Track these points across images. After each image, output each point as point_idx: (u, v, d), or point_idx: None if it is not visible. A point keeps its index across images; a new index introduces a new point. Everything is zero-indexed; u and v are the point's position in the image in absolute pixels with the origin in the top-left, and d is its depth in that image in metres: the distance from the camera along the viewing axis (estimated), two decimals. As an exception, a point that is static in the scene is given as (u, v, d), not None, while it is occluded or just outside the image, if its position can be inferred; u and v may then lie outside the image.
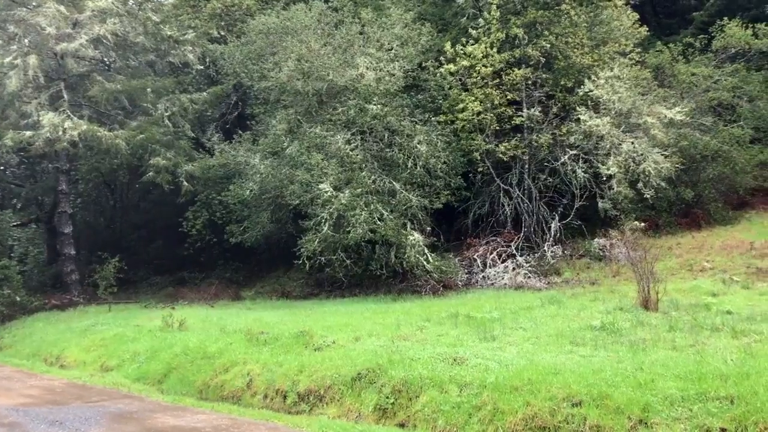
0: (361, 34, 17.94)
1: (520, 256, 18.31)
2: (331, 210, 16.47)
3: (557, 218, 18.95)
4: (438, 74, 18.16)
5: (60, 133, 18.10)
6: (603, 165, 17.52)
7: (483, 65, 17.90)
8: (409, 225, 17.25)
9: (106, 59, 20.92)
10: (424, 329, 11.41)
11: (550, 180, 19.23)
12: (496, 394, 7.16)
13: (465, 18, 19.58)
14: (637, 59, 19.23)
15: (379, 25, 18.04)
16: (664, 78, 19.75)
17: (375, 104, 16.89)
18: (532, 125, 18.92)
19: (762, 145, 19.58)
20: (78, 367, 12.99)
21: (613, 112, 17.75)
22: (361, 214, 16.35)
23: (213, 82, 24.82)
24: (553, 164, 18.92)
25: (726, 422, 5.84)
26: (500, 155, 18.43)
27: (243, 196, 18.46)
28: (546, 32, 18.23)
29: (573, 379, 7.03)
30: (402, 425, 7.62)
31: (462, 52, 17.95)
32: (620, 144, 17.58)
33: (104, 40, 19.02)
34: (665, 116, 17.73)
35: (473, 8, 19.61)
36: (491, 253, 18.68)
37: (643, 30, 19.40)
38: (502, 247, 18.80)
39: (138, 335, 13.48)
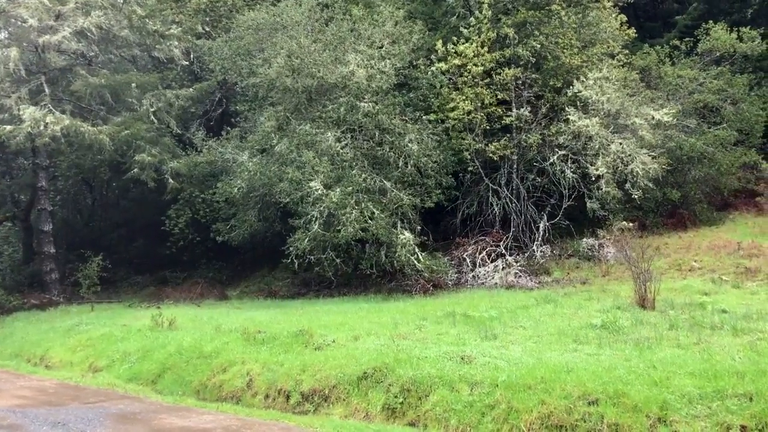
0: (352, 31, 17.79)
1: (510, 255, 18.35)
2: (321, 208, 16.29)
3: (545, 218, 19.03)
4: (430, 72, 18.09)
5: (42, 127, 17.62)
6: (592, 165, 17.59)
7: (474, 64, 17.89)
8: (399, 224, 17.15)
9: (88, 53, 20.41)
10: (423, 328, 11.33)
11: (539, 180, 19.30)
12: (510, 392, 7.09)
13: (455, 17, 19.57)
14: (624, 61, 19.41)
15: (370, 22, 17.92)
16: (650, 80, 19.95)
17: (367, 102, 16.77)
18: (521, 125, 18.96)
19: (745, 148, 19.89)
20: (65, 367, 12.63)
21: (601, 113, 17.85)
22: (352, 213, 16.20)
23: (196, 79, 24.45)
24: (541, 164, 18.98)
25: (746, 419, 5.85)
26: (490, 155, 18.44)
27: (231, 193, 18.17)
28: (536, 32, 18.28)
29: (587, 377, 6.99)
30: (412, 424, 7.52)
31: (453, 50, 17.91)
32: (609, 145, 17.67)
33: (88, 33, 18.56)
34: (653, 118, 17.90)
35: (463, 8, 19.60)
36: (480, 253, 18.67)
37: (631, 32, 19.57)
38: (491, 246, 18.80)
39: (127, 335, 13.17)
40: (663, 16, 26.51)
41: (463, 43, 17.95)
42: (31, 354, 14.10)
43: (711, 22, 21.06)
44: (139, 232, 27.34)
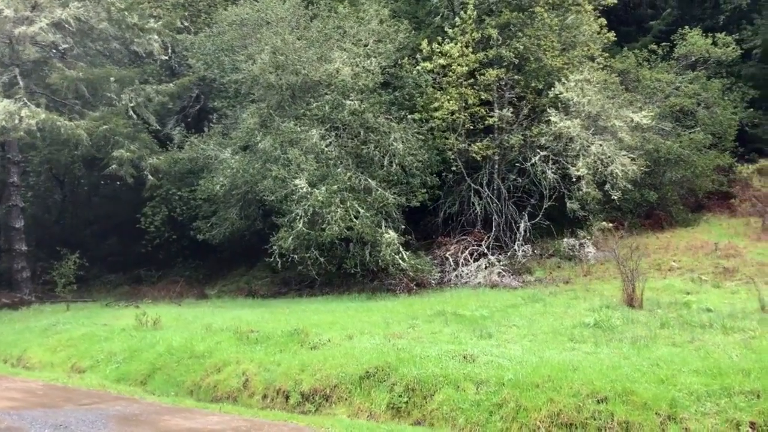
0: (338, 28, 17.70)
1: (492, 255, 18.49)
2: (306, 206, 16.16)
3: (526, 218, 19.22)
4: (415, 72, 18.10)
5: (16, 121, 17.07)
6: (573, 166, 17.81)
7: (459, 64, 17.97)
8: (383, 223, 17.13)
9: (64, 45, 19.84)
10: (416, 327, 11.34)
11: (519, 180, 19.49)
12: (517, 391, 7.14)
13: (439, 17, 19.62)
14: (604, 63, 19.71)
15: (355, 20, 17.85)
16: (629, 83, 20.30)
17: (353, 100, 16.69)
18: (503, 126, 19.11)
19: (718, 151, 20.38)
20: (45, 368, 12.26)
21: (582, 115, 18.09)
22: (337, 212, 16.12)
23: (174, 74, 24.05)
24: (522, 165, 19.17)
25: (755, 416, 5.99)
26: (473, 155, 18.54)
27: (214, 191, 17.90)
28: (519, 34, 18.44)
29: (594, 375, 7.08)
30: (418, 423, 7.51)
31: (438, 50, 17.96)
32: (589, 146, 17.91)
33: (66, 25, 18.05)
34: (632, 120, 18.22)
35: (447, 8, 19.66)
36: (463, 252, 18.78)
37: (611, 35, 19.89)
38: (473, 246, 18.92)
39: (110, 335, 12.86)
40: (637, 20, 26.98)
41: (448, 43, 18.00)
42: (8, 354, 13.65)
43: (687, 27, 21.52)
44: (112, 230, 26.77)
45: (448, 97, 17.97)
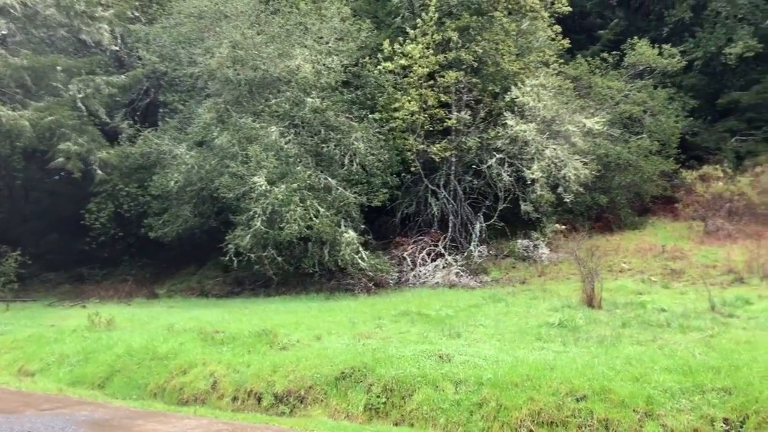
0: (299, 24, 17.47)
1: (449, 255, 18.68)
2: (265, 205, 15.89)
3: (481, 219, 19.51)
4: (377, 71, 18.08)
5: (-46, 110, 16.14)
6: (527, 169, 18.16)
7: (419, 66, 18.05)
8: (343, 222, 17.04)
9: (3, 32, 18.83)
10: (383, 327, 11.32)
11: (475, 182, 19.76)
12: (497, 390, 7.20)
13: (399, 18, 19.66)
14: (558, 69, 20.21)
15: (317, 17, 17.67)
16: (581, 89, 20.88)
17: (314, 98, 16.52)
18: (461, 128, 19.33)
19: (663, 157, 21.21)
20: (-11, 372, 11.60)
21: (538, 119, 18.49)
22: (297, 210, 15.93)
23: (122, 65, 23.21)
24: (479, 167, 19.43)
25: (727, 412, 6.24)
26: (432, 156, 18.68)
27: (168, 187, 17.36)
28: (479, 37, 18.67)
29: (571, 374, 7.22)
30: (396, 424, 7.47)
31: (400, 51, 17.99)
32: (544, 150, 18.31)
33: (11, 10, 17.13)
34: (584, 125, 18.75)
35: (407, 9, 19.73)
36: (420, 252, 18.90)
37: (566, 42, 20.40)
38: (431, 246, 19.07)
39: (60, 336, 12.29)
40: (587, 29, 27.77)
41: (409, 44, 18.06)
42: (-54, 357, 12.85)
43: (636, 38, 22.30)
44: (52, 226, 25.57)
45: (409, 98, 18.03)
